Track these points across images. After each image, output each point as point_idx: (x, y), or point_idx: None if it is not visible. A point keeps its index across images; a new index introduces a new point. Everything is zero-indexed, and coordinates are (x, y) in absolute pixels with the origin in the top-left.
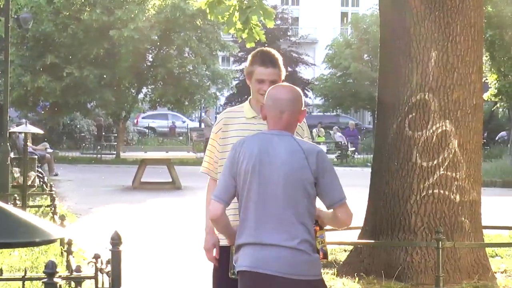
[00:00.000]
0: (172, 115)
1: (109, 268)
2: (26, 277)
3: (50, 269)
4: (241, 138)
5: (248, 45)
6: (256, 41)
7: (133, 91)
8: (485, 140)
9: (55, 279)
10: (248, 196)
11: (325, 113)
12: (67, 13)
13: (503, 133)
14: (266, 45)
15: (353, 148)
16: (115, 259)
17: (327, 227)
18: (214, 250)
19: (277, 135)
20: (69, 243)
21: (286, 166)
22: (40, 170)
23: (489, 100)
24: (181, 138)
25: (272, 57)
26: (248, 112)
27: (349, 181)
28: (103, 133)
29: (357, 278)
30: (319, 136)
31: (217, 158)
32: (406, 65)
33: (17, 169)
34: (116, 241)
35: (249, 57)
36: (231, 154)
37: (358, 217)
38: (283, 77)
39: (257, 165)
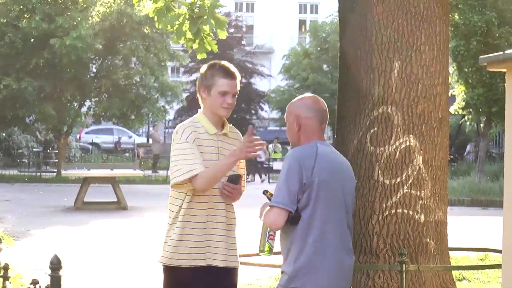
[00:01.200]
0: (117, 130)
1: None
2: None
3: None
4: (313, 147)
5: (199, 56)
6: (208, 51)
7: (75, 104)
8: (452, 156)
9: None
10: (322, 210)
11: (282, 128)
12: (4, 20)
13: (468, 147)
14: (217, 54)
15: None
16: (55, 285)
17: None
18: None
19: (329, 147)
20: (6, 268)
21: (352, 178)
22: None
23: (456, 113)
24: (127, 154)
25: (233, 69)
26: (210, 128)
27: None
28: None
29: None
30: (275, 152)
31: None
32: (367, 76)
33: None
34: (55, 265)
35: (205, 69)
36: (298, 166)
37: None
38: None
39: (332, 176)
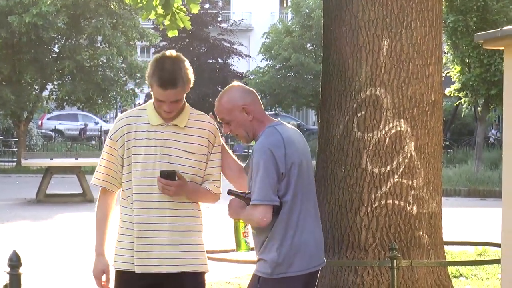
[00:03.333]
0: (82, 116)
1: None
2: None
3: None
4: (275, 133)
5: (169, 34)
6: (181, 28)
7: (36, 87)
8: (447, 143)
9: None
10: (300, 191)
11: None
12: None
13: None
14: (190, 32)
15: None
16: (14, 283)
17: None
18: (104, 276)
19: (283, 124)
20: None
21: (307, 146)
22: None
23: (451, 96)
24: (93, 142)
25: (172, 76)
26: (153, 118)
27: None
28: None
29: None
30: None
31: (119, 168)
32: (353, 55)
33: None
34: (14, 262)
35: (150, 64)
36: (272, 158)
37: None
38: (190, 86)
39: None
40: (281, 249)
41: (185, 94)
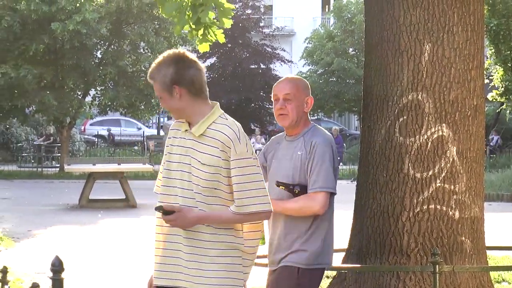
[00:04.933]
0: (125, 121)
1: None
2: None
3: None
4: (326, 131)
5: (201, 49)
6: (212, 43)
7: (79, 93)
8: (490, 147)
9: None
10: None
11: None
12: (0, 2)
13: (495, 137)
14: (228, 46)
15: (337, 158)
16: None
17: None
18: None
19: None
20: (4, 271)
21: None
22: None
23: (494, 100)
24: (136, 147)
25: (152, 68)
26: (184, 124)
27: None
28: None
29: None
30: None
31: None
32: (395, 60)
33: None
34: (57, 267)
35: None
36: (332, 151)
37: (343, 238)
38: (172, 91)
39: None
40: (325, 241)
41: (180, 92)
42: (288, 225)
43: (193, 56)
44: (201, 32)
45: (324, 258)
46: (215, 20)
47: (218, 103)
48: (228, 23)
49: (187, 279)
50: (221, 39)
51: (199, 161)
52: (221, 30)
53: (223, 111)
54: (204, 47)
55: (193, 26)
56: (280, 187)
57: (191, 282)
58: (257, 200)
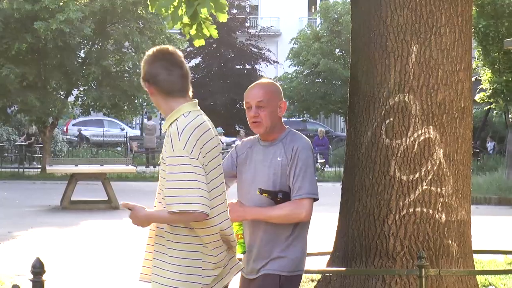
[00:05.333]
0: (108, 122)
1: None
2: None
3: None
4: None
5: (196, 44)
6: (207, 38)
7: (62, 93)
8: (477, 150)
9: None
10: None
11: (290, 119)
12: None
13: (489, 143)
14: (213, 46)
15: (323, 160)
16: None
17: None
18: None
19: None
20: None
21: None
22: None
23: (482, 102)
24: (119, 148)
25: None
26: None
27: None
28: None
29: None
30: None
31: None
32: (382, 61)
33: None
34: (38, 269)
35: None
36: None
37: (327, 241)
38: (146, 82)
39: None
40: (304, 247)
41: (151, 90)
42: (269, 232)
43: (171, 54)
44: (194, 27)
45: (303, 264)
46: (208, 16)
47: (196, 101)
48: (223, 17)
49: (151, 277)
50: (215, 34)
51: (162, 159)
52: (215, 26)
53: (193, 110)
54: (199, 42)
55: (187, 22)
56: (264, 194)
57: (153, 281)
58: (179, 200)
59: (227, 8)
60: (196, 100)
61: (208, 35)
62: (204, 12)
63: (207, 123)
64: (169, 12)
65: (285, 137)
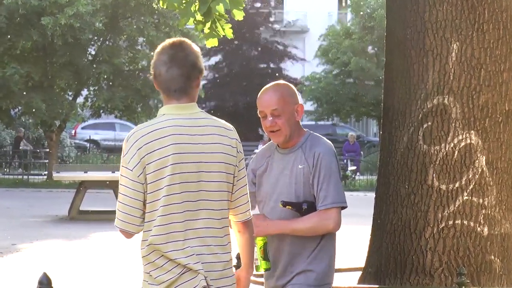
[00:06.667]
0: (120, 125)
1: None
2: None
3: None
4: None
5: (208, 44)
6: (221, 38)
7: (70, 94)
8: None
9: None
10: None
11: (318, 122)
12: None
13: None
14: (235, 42)
15: (354, 167)
16: None
17: None
18: None
19: None
20: None
21: None
22: None
23: None
24: None
25: None
26: None
27: (348, 209)
28: (28, 148)
29: None
30: None
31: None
32: (419, 60)
33: None
34: (45, 285)
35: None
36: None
37: (359, 256)
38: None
39: None
40: (331, 259)
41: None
42: (295, 246)
43: (175, 48)
44: (208, 25)
45: (330, 277)
46: (223, 13)
47: (184, 105)
48: (239, 15)
49: None
50: (230, 34)
51: None
52: (230, 25)
53: (169, 113)
54: (212, 42)
55: (200, 19)
56: (287, 207)
57: None
58: (117, 215)
59: (243, 5)
60: (187, 104)
61: (222, 35)
62: (219, 9)
63: (171, 128)
64: (181, 7)
65: (304, 142)
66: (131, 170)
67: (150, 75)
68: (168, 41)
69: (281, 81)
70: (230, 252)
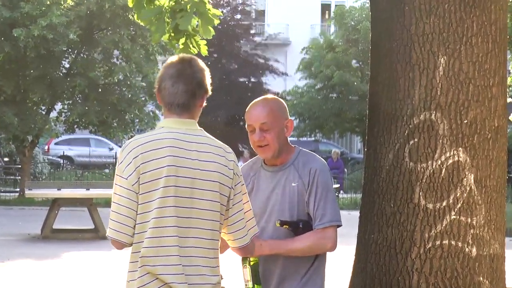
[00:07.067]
0: (95, 141)
1: None
2: None
3: None
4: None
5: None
6: (195, 54)
7: (43, 108)
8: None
9: None
10: None
11: (300, 139)
12: None
13: None
14: (214, 56)
15: (337, 185)
16: None
17: None
18: None
19: None
20: None
21: None
22: None
23: None
24: (107, 170)
25: None
26: None
27: None
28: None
29: None
30: None
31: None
32: (405, 74)
33: None
34: None
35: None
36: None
37: (343, 277)
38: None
39: None
40: (323, 281)
41: (158, 99)
42: (288, 268)
43: (184, 63)
44: (182, 41)
45: None
46: (196, 29)
47: (184, 120)
48: (208, 34)
49: None
50: (204, 51)
51: None
52: (204, 41)
53: (168, 126)
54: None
55: (173, 35)
56: (284, 226)
57: None
58: (110, 224)
59: (216, 23)
60: (188, 120)
61: (195, 52)
62: (193, 23)
63: (169, 140)
64: (154, 23)
65: (296, 159)
66: (126, 179)
67: (130, 92)
68: (177, 56)
69: (271, 95)
70: (218, 275)
